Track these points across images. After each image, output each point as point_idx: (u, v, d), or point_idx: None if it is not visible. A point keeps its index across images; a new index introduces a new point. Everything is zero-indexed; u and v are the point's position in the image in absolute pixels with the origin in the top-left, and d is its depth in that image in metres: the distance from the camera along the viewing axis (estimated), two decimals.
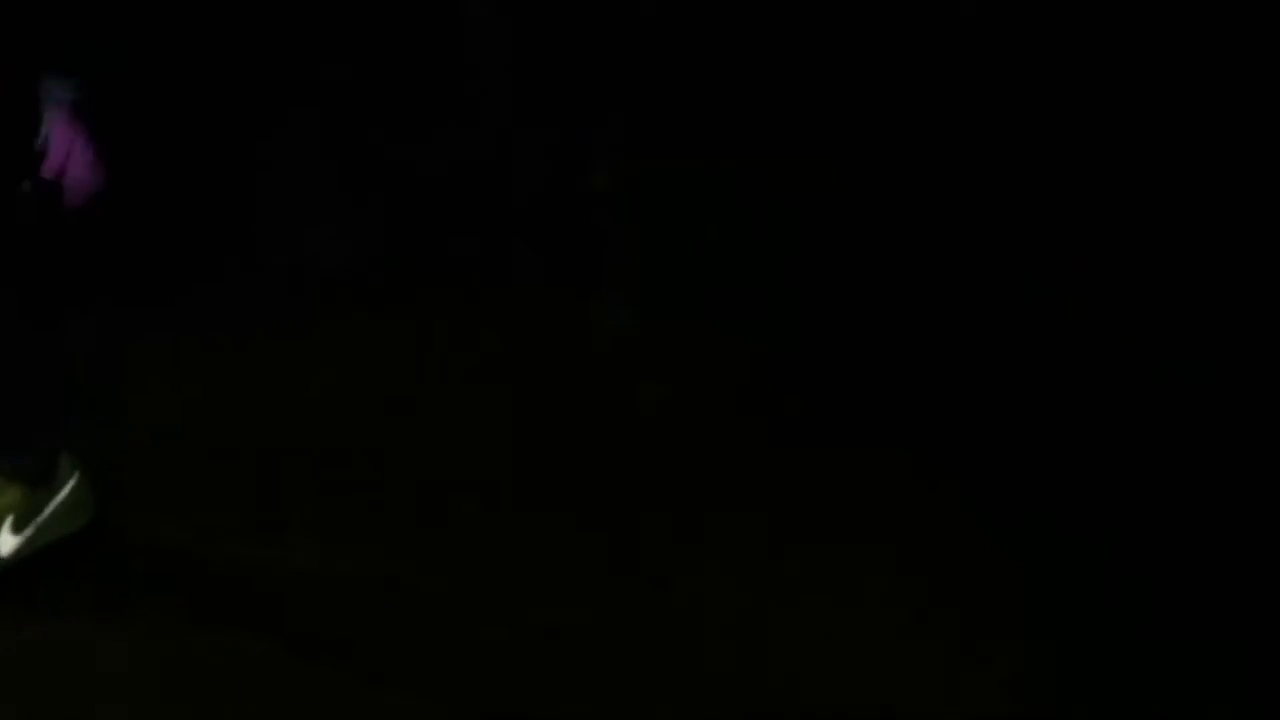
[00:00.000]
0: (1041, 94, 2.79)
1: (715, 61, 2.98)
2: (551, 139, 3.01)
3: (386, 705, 1.97)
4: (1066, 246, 2.71)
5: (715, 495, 2.34)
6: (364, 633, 2.08)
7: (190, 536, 2.24)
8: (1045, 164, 2.78)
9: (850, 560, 2.21)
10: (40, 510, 2.13)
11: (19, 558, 2.11)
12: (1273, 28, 2.62)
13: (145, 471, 2.32)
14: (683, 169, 2.94)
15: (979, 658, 2.06)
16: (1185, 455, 2.42)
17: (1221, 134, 2.69)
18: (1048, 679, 2.03)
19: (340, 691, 1.99)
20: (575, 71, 3.02)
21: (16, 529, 2.11)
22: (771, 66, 2.96)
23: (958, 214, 2.80)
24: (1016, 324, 2.66)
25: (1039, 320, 2.65)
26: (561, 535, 2.25)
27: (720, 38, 2.99)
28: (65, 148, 1.93)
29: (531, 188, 2.97)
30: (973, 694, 2.01)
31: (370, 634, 2.08)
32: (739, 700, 1.99)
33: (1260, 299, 2.59)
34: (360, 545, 2.23)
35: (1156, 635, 2.10)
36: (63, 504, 2.15)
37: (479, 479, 2.36)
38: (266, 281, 2.81)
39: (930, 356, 2.62)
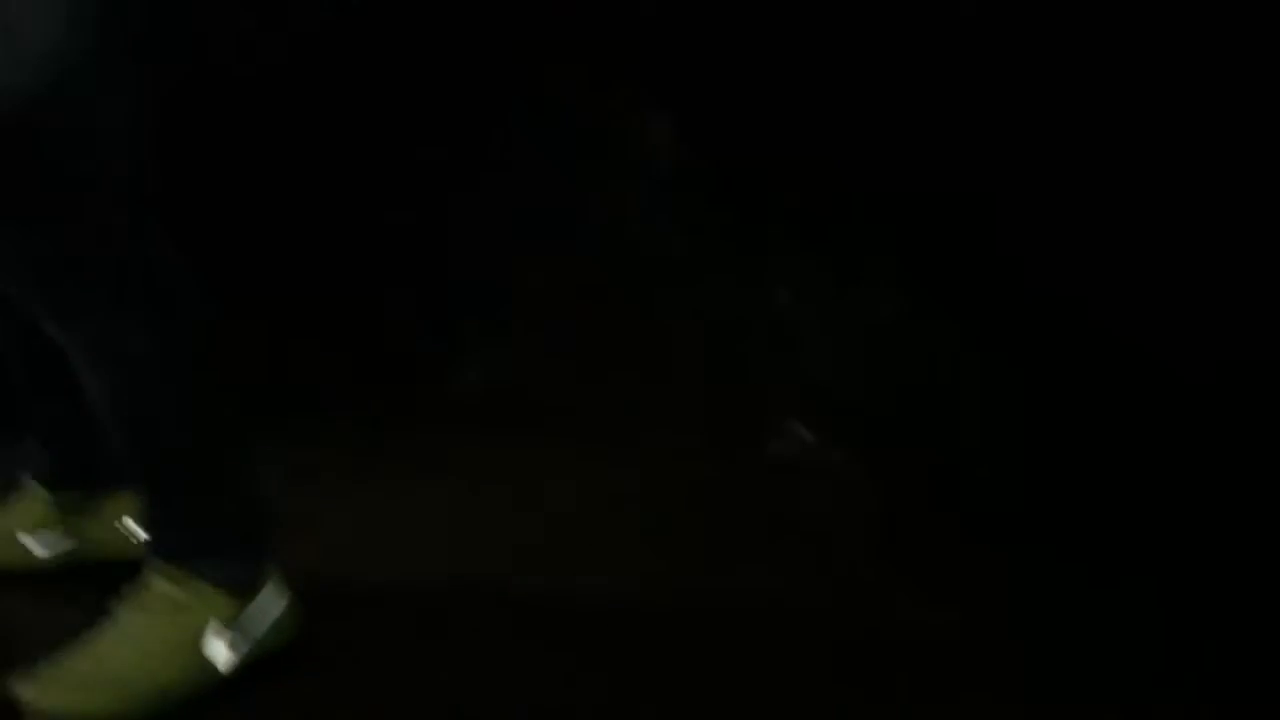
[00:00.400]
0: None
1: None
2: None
3: None
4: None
5: None
6: None
7: (385, 647, 2.26)
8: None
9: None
10: (249, 620, 2.16)
11: (228, 669, 2.14)
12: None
13: (339, 583, 2.37)
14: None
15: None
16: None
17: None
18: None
19: None
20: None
21: (226, 639, 2.14)
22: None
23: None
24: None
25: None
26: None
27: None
28: None
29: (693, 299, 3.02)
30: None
31: None
32: None
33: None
34: (531, 667, 2.25)
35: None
36: (270, 613, 2.18)
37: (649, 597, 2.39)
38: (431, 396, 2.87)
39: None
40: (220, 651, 2.15)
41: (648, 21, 2.97)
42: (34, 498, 2.38)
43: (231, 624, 2.16)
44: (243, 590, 2.18)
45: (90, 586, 2.26)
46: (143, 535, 2.22)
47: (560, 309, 3.04)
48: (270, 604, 2.20)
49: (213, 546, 2.17)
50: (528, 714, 2.14)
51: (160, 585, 2.15)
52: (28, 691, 2.08)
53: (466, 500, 2.59)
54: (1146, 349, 2.60)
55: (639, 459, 2.70)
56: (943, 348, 2.79)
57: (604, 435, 2.76)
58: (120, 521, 2.36)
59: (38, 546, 2.37)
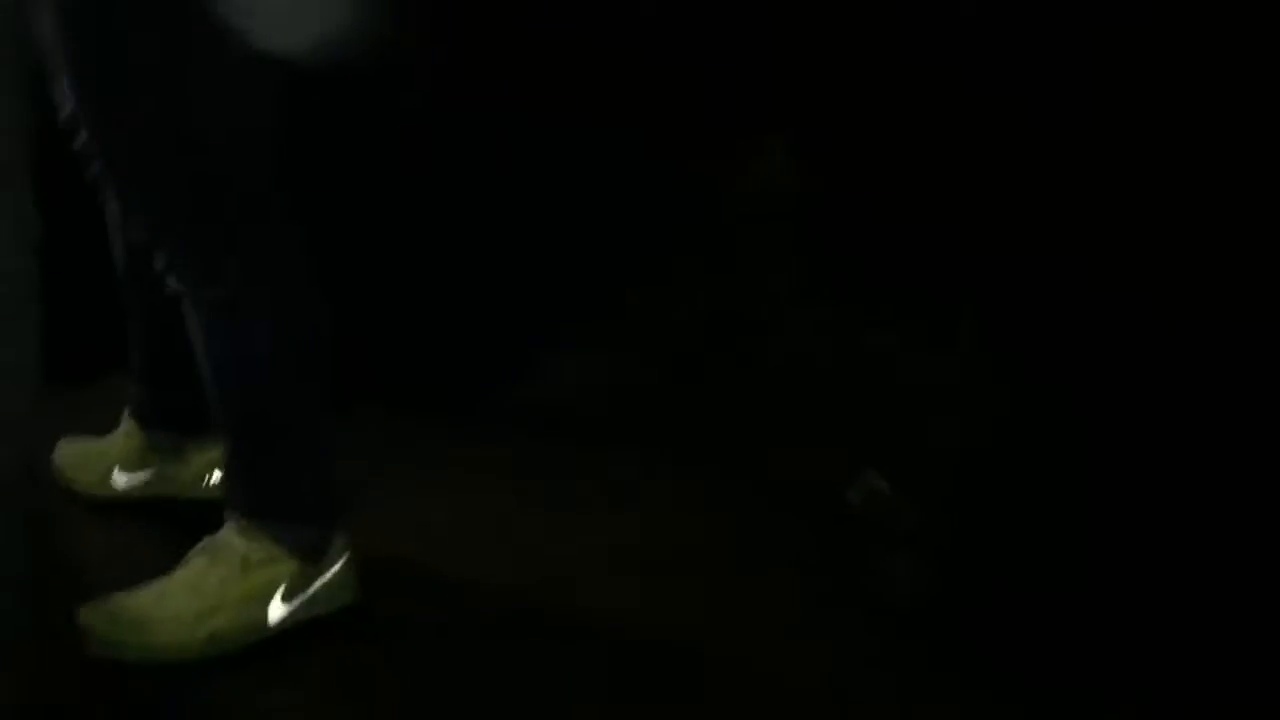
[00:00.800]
0: None
1: None
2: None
3: None
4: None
5: None
6: None
7: (442, 625, 2.33)
8: None
9: None
10: (310, 584, 2.26)
11: (283, 628, 2.23)
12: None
13: (405, 559, 2.44)
14: None
15: None
16: None
17: None
18: None
19: None
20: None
21: (286, 599, 2.23)
22: None
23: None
24: None
25: None
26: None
27: None
28: None
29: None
30: None
31: None
32: None
33: None
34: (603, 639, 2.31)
35: None
36: (331, 581, 2.27)
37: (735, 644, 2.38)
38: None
39: None
40: (277, 610, 2.24)
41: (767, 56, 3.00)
42: (130, 434, 2.48)
43: (294, 586, 2.26)
44: (311, 556, 2.27)
45: (168, 527, 2.36)
46: (224, 488, 2.31)
47: (657, 325, 3.08)
48: (333, 572, 2.28)
49: (289, 510, 2.27)
50: None
51: (233, 539, 2.25)
52: (92, 620, 2.18)
53: (545, 502, 2.63)
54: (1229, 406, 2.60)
55: (709, 488, 2.72)
56: (1030, 413, 2.79)
57: (682, 457, 2.78)
58: (206, 471, 2.45)
59: (125, 481, 2.47)
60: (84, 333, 2.55)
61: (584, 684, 2.25)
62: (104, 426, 2.52)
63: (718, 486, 2.72)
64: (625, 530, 2.58)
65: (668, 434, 2.85)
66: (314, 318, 2.20)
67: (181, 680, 2.16)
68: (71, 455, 2.51)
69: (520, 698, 2.21)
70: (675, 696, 2.24)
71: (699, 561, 2.53)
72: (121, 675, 2.16)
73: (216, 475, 2.44)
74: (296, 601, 2.26)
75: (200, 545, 2.25)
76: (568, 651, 2.30)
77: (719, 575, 2.51)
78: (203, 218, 2.12)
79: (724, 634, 2.36)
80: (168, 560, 2.26)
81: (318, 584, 2.28)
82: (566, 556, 2.50)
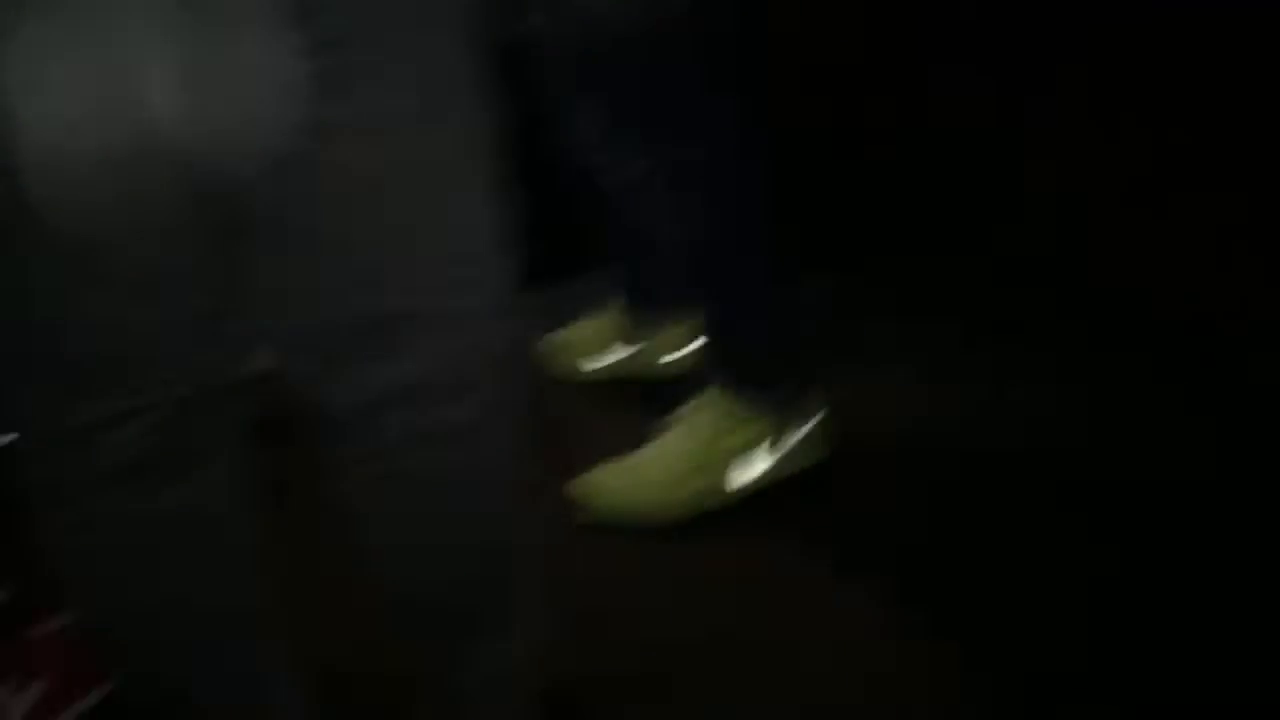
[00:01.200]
0: None
1: None
2: None
3: None
4: None
5: None
6: None
7: (903, 501, 2.32)
8: None
9: None
10: (786, 442, 2.31)
11: (760, 485, 2.30)
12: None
13: (876, 415, 2.46)
14: None
15: None
16: None
17: None
18: None
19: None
20: None
21: (763, 458, 2.30)
22: None
23: None
24: None
25: None
26: None
27: None
28: None
29: None
30: None
31: None
32: None
33: None
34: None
35: None
36: (805, 438, 2.33)
37: None
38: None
39: None
40: (755, 468, 2.31)
41: None
42: (607, 315, 2.58)
43: (770, 443, 2.33)
44: (786, 413, 2.33)
45: (647, 401, 2.46)
46: (697, 360, 2.39)
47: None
48: (806, 428, 2.34)
49: (764, 370, 2.34)
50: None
51: (712, 402, 2.33)
52: (582, 489, 2.31)
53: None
54: None
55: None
56: None
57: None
58: (682, 343, 2.52)
59: (605, 361, 2.59)
60: (551, 234, 2.65)
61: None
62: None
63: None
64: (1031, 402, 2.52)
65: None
66: (759, 189, 2.24)
67: (668, 541, 2.25)
68: (553, 342, 2.62)
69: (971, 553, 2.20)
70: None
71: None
72: (611, 538, 2.26)
73: (692, 346, 2.50)
74: (774, 458, 2.32)
75: (680, 409, 2.34)
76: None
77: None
78: (652, 106, 2.17)
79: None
80: (648, 430, 2.36)
81: (793, 441, 2.33)
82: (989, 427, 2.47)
